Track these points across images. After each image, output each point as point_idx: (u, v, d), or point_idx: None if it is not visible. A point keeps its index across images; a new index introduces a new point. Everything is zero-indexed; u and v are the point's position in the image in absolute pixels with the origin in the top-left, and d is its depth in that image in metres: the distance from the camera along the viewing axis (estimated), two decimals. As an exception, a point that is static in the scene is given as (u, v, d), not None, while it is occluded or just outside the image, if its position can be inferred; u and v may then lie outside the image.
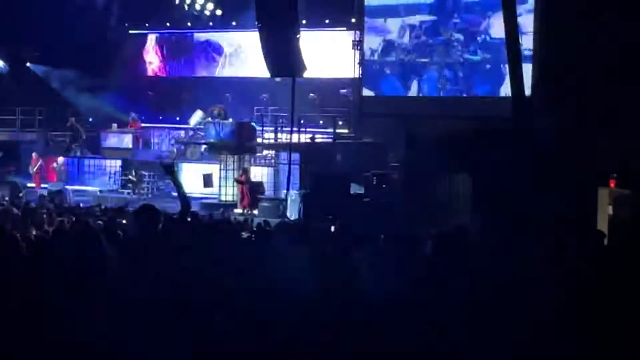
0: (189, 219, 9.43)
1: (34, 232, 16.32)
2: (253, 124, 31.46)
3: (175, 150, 34.66)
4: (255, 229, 17.44)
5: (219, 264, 6.83)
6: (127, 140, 34.76)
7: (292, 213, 26.64)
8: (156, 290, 6.43)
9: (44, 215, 20.62)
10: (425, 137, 25.31)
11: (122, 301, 6.24)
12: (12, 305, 6.81)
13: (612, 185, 19.15)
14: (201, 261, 6.88)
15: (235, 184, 29.78)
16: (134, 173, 32.75)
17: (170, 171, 9.57)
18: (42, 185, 32.77)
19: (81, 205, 25.80)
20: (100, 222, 18.42)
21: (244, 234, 13.67)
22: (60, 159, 33.50)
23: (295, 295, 6.73)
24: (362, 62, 30.54)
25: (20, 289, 7.05)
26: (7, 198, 26.93)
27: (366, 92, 30.78)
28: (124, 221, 18.50)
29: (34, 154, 33.97)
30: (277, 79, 31.30)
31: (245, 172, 29.55)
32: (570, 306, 7.41)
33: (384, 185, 27.37)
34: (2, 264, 7.71)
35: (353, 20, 31.68)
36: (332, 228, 17.04)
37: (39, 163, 33.58)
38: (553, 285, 7.65)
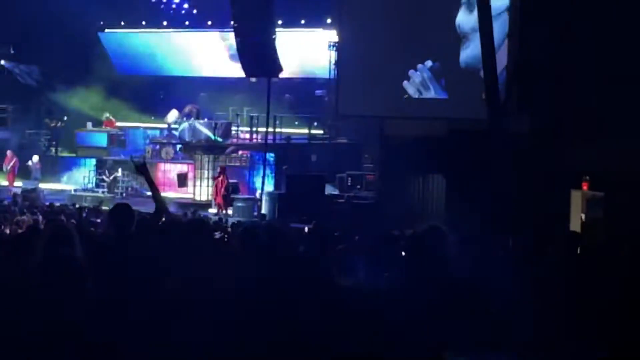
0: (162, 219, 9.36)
1: (7, 231, 16.29)
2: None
3: (150, 149, 34.57)
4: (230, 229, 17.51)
5: (192, 264, 6.83)
6: (101, 139, 34.63)
7: (267, 213, 26.67)
8: (129, 289, 6.44)
9: (18, 214, 20.61)
10: (399, 138, 25.39)
11: (95, 300, 6.23)
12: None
13: (584, 187, 19.29)
14: (174, 261, 6.88)
15: (210, 183, 29.86)
16: (107, 173, 32.64)
17: (142, 169, 9.50)
18: (16, 184, 32.64)
19: (55, 204, 25.72)
20: (73, 220, 18.43)
21: (217, 234, 13.70)
22: (35, 157, 33.32)
23: (270, 296, 6.73)
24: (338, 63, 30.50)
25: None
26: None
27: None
28: (98, 220, 18.53)
29: (8, 152, 33.81)
30: (253, 79, 31.32)
31: (223, 170, 29.48)
32: (545, 307, 7.47)
33: (358, 186, 27.49)
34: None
35: (329, 20, 31.69)
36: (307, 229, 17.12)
37: (13, 161, 33.44)
38: (529, 286, 7.71)
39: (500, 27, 22.40)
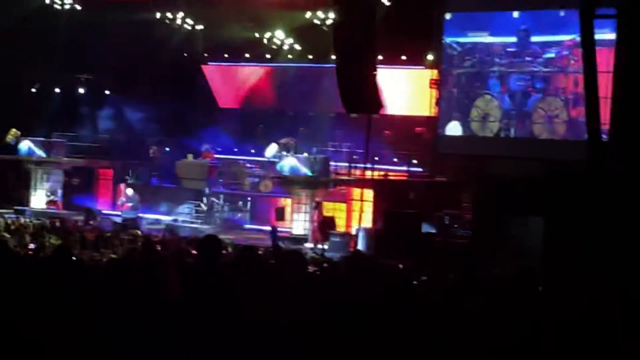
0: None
1: (104, 259, 16.57)
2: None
3: (248, 182, 34.83)
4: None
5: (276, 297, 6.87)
6: (202, 170, 34.86)
7: (362, 249, 26.59)
8: (212, 313, 6.53)
9: (117, 242, 21.01)
10: (498, 178, 25.12)
11: (181, 326, 6.39)
12: (79, 329, 6.97)
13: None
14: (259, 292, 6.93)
15: (307, 217, 30.02)
16: (204, 201, 32.97)
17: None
18: (116, 213, 33.13)
19: (153, 234, 26.02)
20: (172, 250, 18.68)
21: (310, 268, 13.67)
22: (130, 190, 33.46)
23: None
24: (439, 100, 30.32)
25: (87, 310, 7.21)
26: (80, 224, 27.34)
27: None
28: (194, 251, 18.67)
29: (121, 185, 34.25)
30: (353, 115, 31.32)
31: (318, 206, 29.69)
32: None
33: (456, 225, 27.25)
34: (69, 287, 7.82)
35: (430, 57, 31.58)
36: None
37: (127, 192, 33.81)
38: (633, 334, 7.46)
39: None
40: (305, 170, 30.65)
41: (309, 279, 9.04)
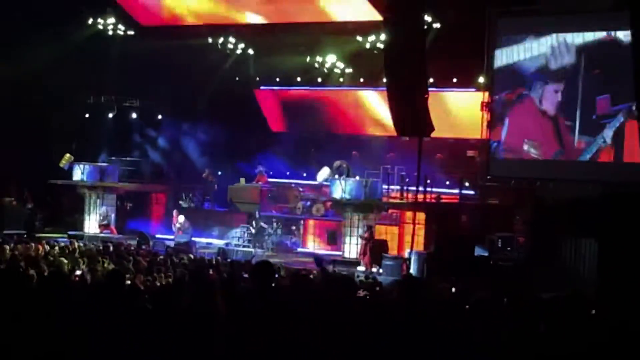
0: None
1: (157, 283, 16.70)
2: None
3: (301, 206, 34.87)
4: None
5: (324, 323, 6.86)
6: (254, 194, 34.98)
7: (415, 272, 26.48)
8: (263, 340, 6.52)
9: (170, 266, 21.13)
10: (552, 201, 24.95)
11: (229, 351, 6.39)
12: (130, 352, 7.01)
13: None
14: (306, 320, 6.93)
15: (359, 241, 29.95)
16: (254, 224, 33.09)
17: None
18: (169, 237, 33.31)
19: (206, 257, 26.10)
20: (225, 274, 18.77)
21: (361, 293, 13.66)
22: (181, 217, 33.62)
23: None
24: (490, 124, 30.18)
25: (138, 335, 7.25)
26: (133, 248, 27.46)
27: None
28: (246, 275, 18.74)
29: (175, 211, 34.39)
30: (404, 138, 31.27)
31: (370, 229, 29.67)
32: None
33: (508, 248, 27.06)
34: (121, 311, 7.88)
35: (481, 79, 31.45)
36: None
37: (178, 219, 33.94)
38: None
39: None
40: (357, 194, 30.67)
41: (359, 303, 9.03)
